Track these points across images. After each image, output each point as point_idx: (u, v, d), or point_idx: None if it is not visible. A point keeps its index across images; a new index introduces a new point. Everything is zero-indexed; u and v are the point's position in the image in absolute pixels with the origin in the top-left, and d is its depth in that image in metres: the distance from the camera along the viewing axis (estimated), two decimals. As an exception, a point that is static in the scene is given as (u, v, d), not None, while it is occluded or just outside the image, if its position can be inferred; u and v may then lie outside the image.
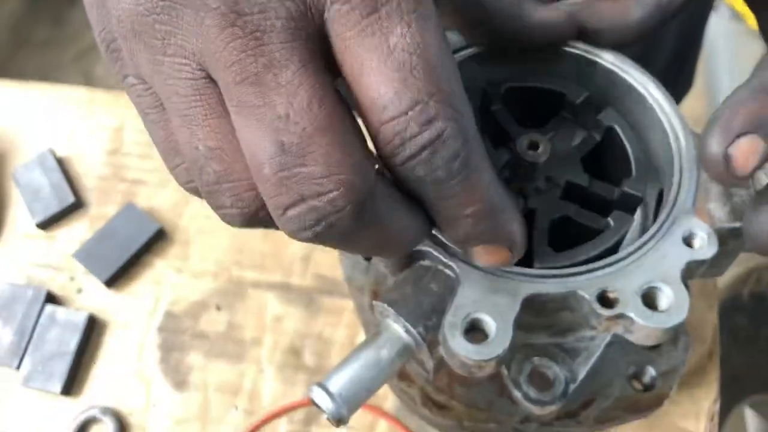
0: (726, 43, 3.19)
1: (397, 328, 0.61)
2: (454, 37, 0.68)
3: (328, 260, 0.92)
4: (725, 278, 1.96)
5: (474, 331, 0.58)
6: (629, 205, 0.63)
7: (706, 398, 0.83)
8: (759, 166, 0.53)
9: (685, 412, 0.82)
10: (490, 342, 0.56)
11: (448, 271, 0.61)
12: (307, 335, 0.89)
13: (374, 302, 0.62)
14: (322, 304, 0.90)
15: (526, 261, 0.61)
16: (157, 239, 0.94)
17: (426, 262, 0.62)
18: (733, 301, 1.88)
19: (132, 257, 0.93)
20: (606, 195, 0.64)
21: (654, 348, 0.74)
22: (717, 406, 0.83)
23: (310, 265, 0.92)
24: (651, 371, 0.73)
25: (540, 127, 0.68)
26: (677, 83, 1.43)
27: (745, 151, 0.52)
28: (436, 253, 0.60)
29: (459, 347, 0.56)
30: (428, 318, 0.60)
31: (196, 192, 0.49)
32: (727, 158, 0.53)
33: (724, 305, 1.92)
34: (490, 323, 0.57)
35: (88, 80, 3.09)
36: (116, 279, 0.93)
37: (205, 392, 0.86)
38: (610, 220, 0.62)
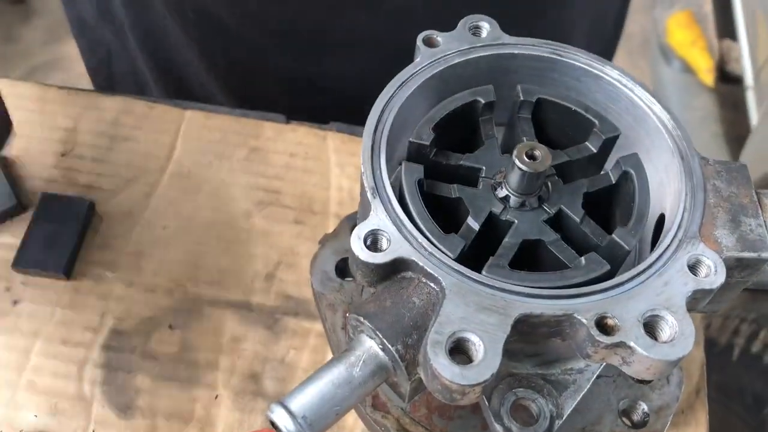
0: (677, 95, 3.26)
1: (373, 345, 0.54)
2: None
3: (295, 278, 0.85)
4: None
5: (458, 352, 0.52)
6: (613, 252, 0.58)
7: (695, 440, 0.77)
8: None
9: (673, 455, 0.76)
10: (476, 365, 0.50)
11: (432, 284, 0.55)
12: (268, 359, 0.81)
13: (348, 314, 0.56)
14: (286, 325, 0.83)
15: (475, 264, 0.56)
16: (106, 248, 0.87)
17: (408, 274, 0.56)
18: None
19: (77, 240, 0.86)
20: (594, 237, 0.59)
21: (646, 383, 0.68)
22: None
23: (274, 283, 0.86)
24: (643, 407, 0.68)
25: (559, 148, 0.64)
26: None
27: None
28: (420, 263, 0.54)
29: (442, 368, 0.49)
30: (408, 335, 0.54)
31: None
32: None
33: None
34: (477, 344, 0.51)
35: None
36: (71, 267, 0.85)
37: (152, 419, 0.78)
38: (583, 260, 0.57)
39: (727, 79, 3.33)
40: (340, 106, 0.99)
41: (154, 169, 0.93)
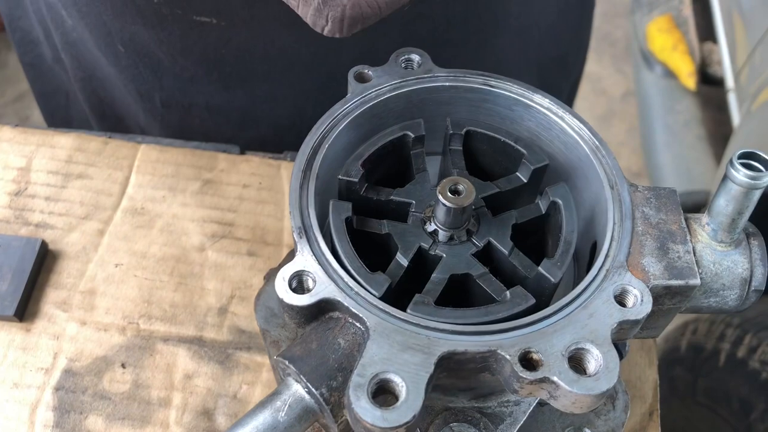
0: (660, 99, 3.27)
1: (299, 388, 0.54)
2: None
3: (247, 312, 0.85)
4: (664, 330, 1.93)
5: (383, 393, 0.52)
6: (540, 285, 0.58)
7: (648, 467, 0.77)
8: None
9: (626, 482, 0.76)
10: (398, 407, 0.50)
11: (358, 324, 0.55)
12: (221, 395, 0.81)
13: (275, 358, 0.56)
14: (238, 360, 0.83)
15: (405, 301, 0.55)
16: (59, 287, 0.87)
17: (336, 314, 0.56)
18: (672, 352, 1.86)
19: (29, 280, 0.85)
20: (522, 269, 0.59)
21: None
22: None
23: (226, 317, 0.85)
24: (587, 435, 0.68)
25: (489, 180, 0.64)
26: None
27: None
28: (345, 303, 0.54)
29: (364, 412, 0.49)
30: (333, 377, 0.53)
31: None
32: None
33: (662, 357, 1.89)
34: (400, 385, 0.51)
35: (24, 124, 3.00)
36: (24, 309, 0.85)
37: (105, 459, 0.78)
38: (508, 294, 0.56)
39: (710, 82, 3.34)
40: (277, 134, 0.99)
41: (108, 206, 0.93)
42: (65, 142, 0.98)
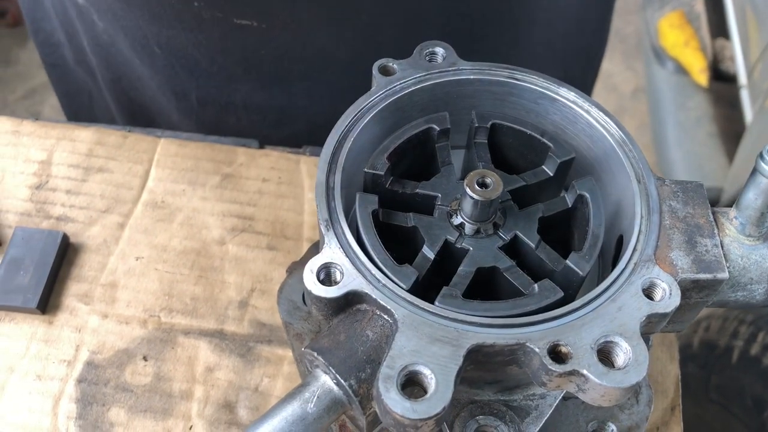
0: (671, 96, 3.25)
1: (327, 380, 0.54)
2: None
3: (268, 305, 0.86)
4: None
5: (412, 385, 0.52)
6: (568, 278, 0.58)
7: (669, 463, 0.77)
8: None
9: (647, 478, 0.76)
10: (428, 398, 0.50)
11: (386, 316, 0.55)
12: (242, 387, 0.82)
13: (303, 350, 0.56)
14: (259, 353, 0.83)
15: (431, 294, 0.55)
16: (81, 280, 0.87)
17: (363, 306, 0.56)
18: (685, 349, 1.85)
19: (51, 273, 0.86)
20: (549, 263, 0.59)
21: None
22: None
23: (247, 310, 0.86)
24: (612, 428, 0.67)
25: (515, 173, 0.64)
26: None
27: None
28: (373, 296, 0.54)
29: (393, 404, 0.49)
30: (362, 369, 0.54)
31: None
32: None
33: (675, 354, 1.89)
34: (429, 377, 0.51)
35: (36, 120, 3.02)
36: (46, 302, 0.86)
37: (126, 451, 0.78)
38: (536, 287, 0.56)
39: (722, 78, 3.33)
40: (312, 132, 0.99)
41: (128, 199, 0.94)
42: (85, 135, 0.99)
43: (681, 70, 3.32)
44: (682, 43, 3.33)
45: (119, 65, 1.10)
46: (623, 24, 3.77)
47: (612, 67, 3.68)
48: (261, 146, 0.99)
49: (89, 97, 1.27)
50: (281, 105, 1.04)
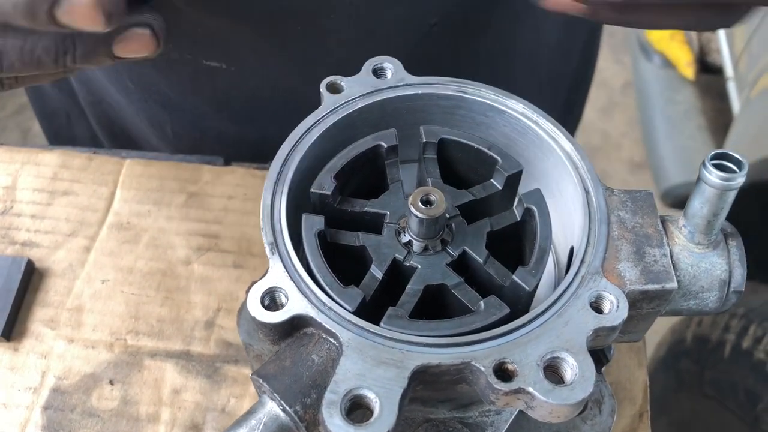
0: (659, 90, 3.24)
1: (274, 407, 0.54)
2: None
3: (234, 325, 0.85)
4: (669, 321, 1.91)
5: (360, 408, 0.52)
6: (515, 293, 0.57)
7: (639, 469, 0.76)
8: None
9: (616, 484, 0.76)
10: (372, 423, 0.49)
11: (332, 340, 0.54)
12: (209, 409, 0.81)
13: (251, 376, 0.56)
14: (226, 373, 0.83)
15: (376, 315, 0.55)
16: (46, 305, 0.87)
17: (309, 330, 0.56)
18: (678, 345, 1.84)
19: (15, 300, 0.85)
20: (498, 278, 0.58)
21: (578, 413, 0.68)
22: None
23: (213, 330, 0.85)
24: (571, 442, 0.67)
25: (463, 188, 0.64)
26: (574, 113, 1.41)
27: None
28: (318, 319, 0.54)
29: (337, 429, 0.49)
30: (307, 394, 0.53)
31: None
32: None
33: (668, 349, 1.88)
34: (374, 400, 0.51)
35: (25, 136, 3.04)
36: (11, 329, 0.85)
37: (95, 477, 0.78)
38: (482, 304, 0.56)
39: (709, 71, 3.32)
40: None
41: (93, 222, 0.93)
42: (50, 159, 0.98)
43: (668, 63, 3.32)
44: (668, 37, 3.32)
45: (98, 90, 1.10)
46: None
47: (601, 62, 3.67)
48: (227, 163, 0.99)
49: (67, 118, 1.27)
50: (255, 140, 1.03)
